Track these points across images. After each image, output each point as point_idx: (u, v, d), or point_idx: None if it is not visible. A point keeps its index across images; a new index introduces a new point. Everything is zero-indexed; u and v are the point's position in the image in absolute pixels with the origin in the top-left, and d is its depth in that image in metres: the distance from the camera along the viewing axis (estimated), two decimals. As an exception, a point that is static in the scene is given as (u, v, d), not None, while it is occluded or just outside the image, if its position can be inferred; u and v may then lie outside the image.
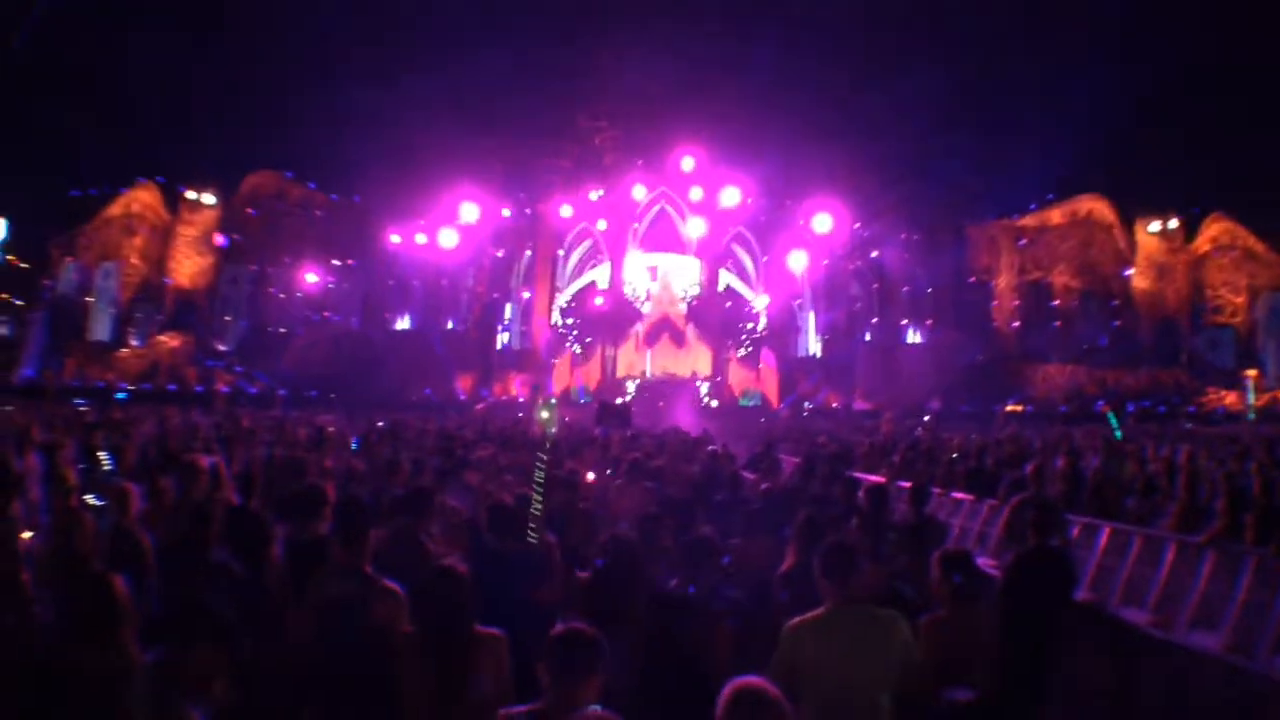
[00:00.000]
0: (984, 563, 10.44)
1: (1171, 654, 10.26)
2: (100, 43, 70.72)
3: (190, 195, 72.22)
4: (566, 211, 74.39)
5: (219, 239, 73.03)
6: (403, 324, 78.37)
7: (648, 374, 71.85)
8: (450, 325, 78.01)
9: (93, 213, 71.02)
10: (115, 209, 71.43)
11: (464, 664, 5.73)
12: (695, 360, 72.61)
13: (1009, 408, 62.64)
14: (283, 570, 7.33)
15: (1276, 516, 10.77)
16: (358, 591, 6.43)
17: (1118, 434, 30.68)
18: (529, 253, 77.36)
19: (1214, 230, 71.88)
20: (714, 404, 64.83)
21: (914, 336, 78.69)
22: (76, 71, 68.92)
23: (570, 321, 73.85)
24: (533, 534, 8.22)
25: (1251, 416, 56.17)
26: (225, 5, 78.98)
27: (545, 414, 12.15)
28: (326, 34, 72.98)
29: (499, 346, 77.74)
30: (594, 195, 75.41)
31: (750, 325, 74.92)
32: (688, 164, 74.03)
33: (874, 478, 15.71)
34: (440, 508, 9.51)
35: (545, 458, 8.70)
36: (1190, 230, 72.23)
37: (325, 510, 7.87)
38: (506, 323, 79.43)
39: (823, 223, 74.18)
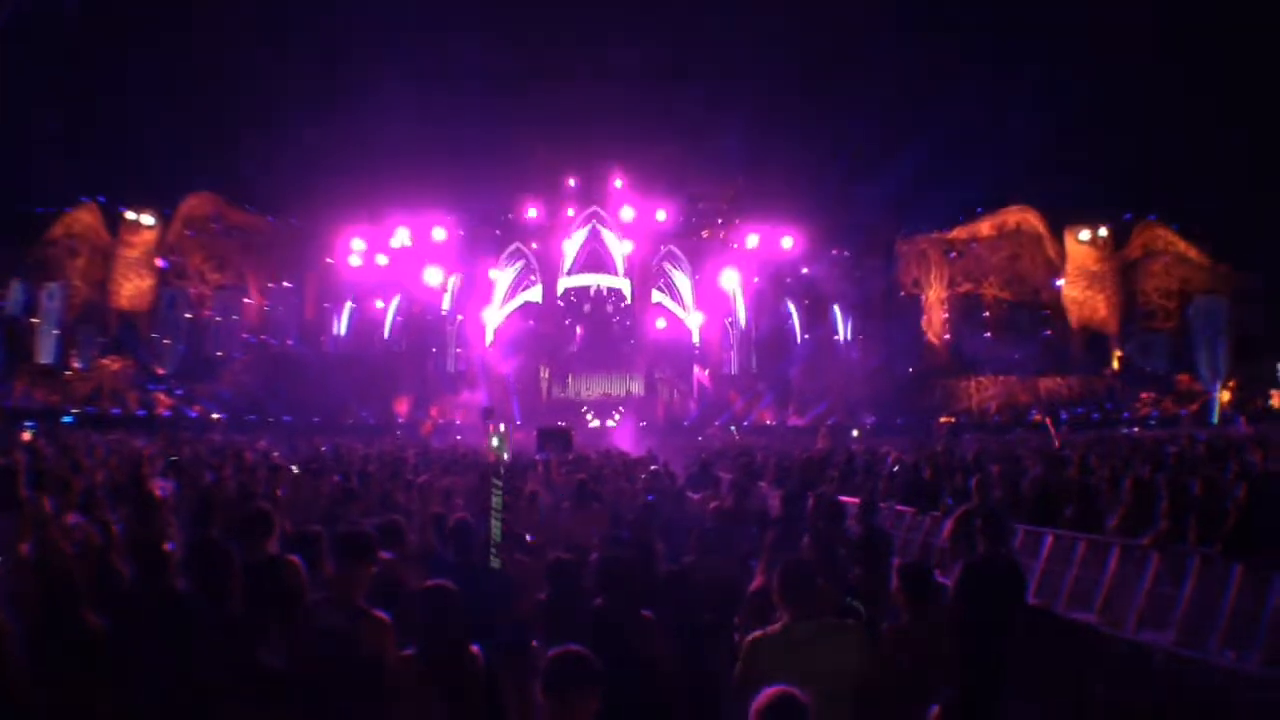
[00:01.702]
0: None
1: (1124, 650, 10.49)
2: (47, 56, 70.24)
3: (130, 216, 71.26)
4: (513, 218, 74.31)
5: (159, 261, 72.29)
6: (339, 346, 77.81)
7: (580, 394, 71.96)
8: (387, 347, 77.71)
9: (39, 232, 69.98)
10: (58, 229, 70.29)
11: (464, 682, 5.78)
12: (628, 380, 72.68)
13: (944, 419, 63.08)
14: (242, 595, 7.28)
15: (1219, 517, 10.94)
16: (348, 623, 6.38)
17: (1055, 442, 31.10)
18: (461, 274, 77.15)
19: (1145, 236, 72.62)
20: (642, 424, 64.99)
21: (846, 351, 79.13)
22: (24, 86, 68.09)
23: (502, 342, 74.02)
24: (495, 557, 8.28)
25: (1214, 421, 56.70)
26: (170, 26, 78.08)
27: (496, 442, 12.24)
28: (268, 56, 72.82)
29: (436, 368, 77.39)
30: (531, 213, 75.46)
31: (683, 343, 75.27)
32: (619, 183, 74.23)
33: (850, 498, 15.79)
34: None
35: (500, 483, 8.76)
36: (1121, 237, 72.87)
37: (274, 531, 7.84)
38: (443, 345, 79.14)
39: (753, 241, 74.72)
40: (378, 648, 6.24)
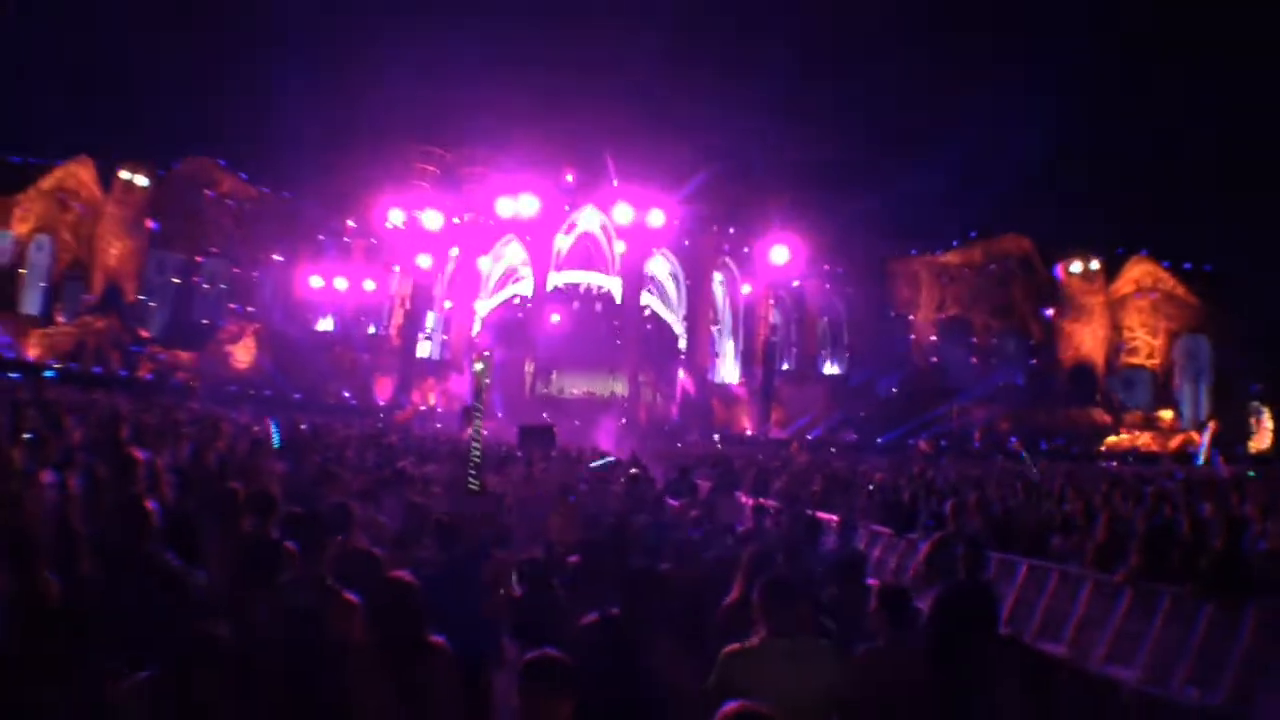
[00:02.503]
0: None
1: (1090, 684, 10.55)
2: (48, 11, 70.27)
3: (124, 175, 70.48)
4: (502, 210, 74.04)
5: (149, 223, 71.93)
6: (325, 325, 77.62)
7: (564, 391, 71.92)
8: (372, 330, 77.55)
9: (29, 181, 69.37)
10: (49, 181, 69.65)
11: (421, 674, 5.76)
12: (612, 380, 72.60)
13: (924, 443, 63.16)
14: (229, 573, 7.26)
15: (1196, 556, 11.02)
16: (316, 602, 6.41)
17: (1033, 471, 31.13)
18: (452, 262, 76.99)
19: (1136, 272, 72.89)
20: (623, 423, 64.82)
21: (831, 368, 79.27)
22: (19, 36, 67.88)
23: (489, 332, 73.92)
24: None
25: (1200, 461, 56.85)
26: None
27: (480, 367, 12.30)
28: (272, 20, 72.89)
29: (420, 354, 77.18)
30: (530, 207, 75.15)
31: (670, 348, 75.29)
32: (615, 183, 74.11)
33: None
34: (366, 522, 9.50)
35: (474, 473, 8.80)
36: (1112, 271, 73.03)
37: (276, 512, 7.85)
38: (428, 331, 79.05)
39: (746, 250, 74.91)
40: (345, 628, 6.27)
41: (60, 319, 68.65)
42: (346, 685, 5.81)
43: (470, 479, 8.93)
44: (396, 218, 74.21)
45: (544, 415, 53.27)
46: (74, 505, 8.95)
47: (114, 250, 70.58)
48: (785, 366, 77.91)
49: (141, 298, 72.49)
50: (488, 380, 11.02)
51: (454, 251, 76.42)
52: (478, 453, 8.83)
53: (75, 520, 8.15)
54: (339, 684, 5.83)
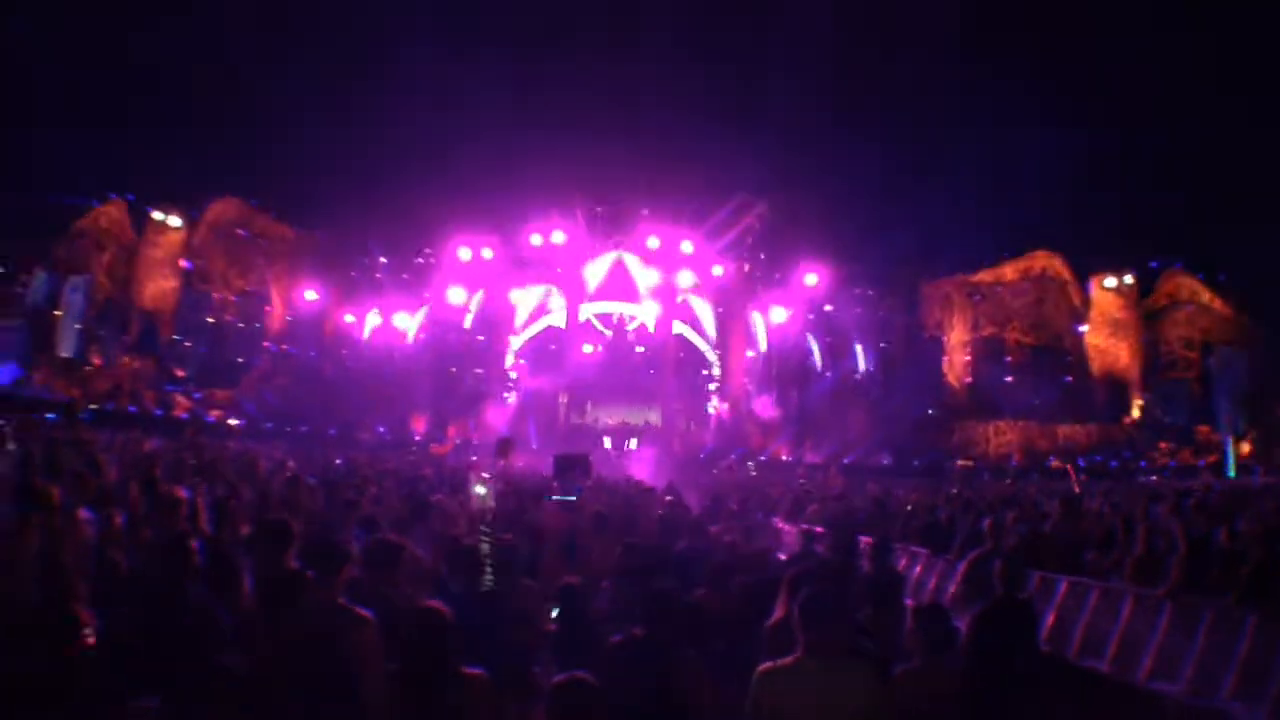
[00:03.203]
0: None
1: (1133, 697, 10.45)
2: (80, 50, 71.07)
3: (157, 216, 71.35)
4: (536, 241, 74.28)
5: (184, 263, 72.43)
6: (359, 361, 77.77)
7: (598, 421, 71.91)
8: (407, 364, 77.75)
9: (65, 224, 69.97)
10: (85, 223, 70.31)
11: (452, 702, 5.76)
12: (646, 410, 72.52)
13: (960, 463, 62.90)
14: (255, 605, 7.32)
15: (1238, 567, 10.93)
16: (330, 625, 6.43)
17: (1076, 489, 30.99)
18: (483, 294, 77.14)
19: (1170, 285, 72.41)
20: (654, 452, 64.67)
21: (866, 391, 79.01)
22: (53, 77, 68.55)
23: (523, 363, 74.20)
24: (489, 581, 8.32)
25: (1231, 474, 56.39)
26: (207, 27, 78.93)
27: (481, 490, 12.28)
28: (300, 59, 73.60)
29: (455, 388, 77.27)
30: (560, 238, 75.21)
31: (704, 376, 75.29)
32: (645, 212, 74.24)
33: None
34: (407, 559, 9.51)
35: (486, 530, 8.82)
36: (1145, 285, 72.63)
37: (293, 545, 7.87)
38: (462, 365, 79.07)
39: (777, 276, 75.02)
40: (358, 643, 6.29)
41: (97, 360, 69.03)
42: (361, 712, 5.84)
43: (483, 531, 8.93)
44: (428, 253, 74.58)
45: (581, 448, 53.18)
46: (114, 541, 9.02)
47: (149, 290, 71.21)
48: (819, 391, 77.66)
49: (177, 337, 72.92)
50: (490, 503, 11.06)
51: (485, 285, 76.49)
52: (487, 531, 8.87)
53: (115, 555, 8.23)
54: (353, 712, 5.85)
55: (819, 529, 16.63)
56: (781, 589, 8.05)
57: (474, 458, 50.91)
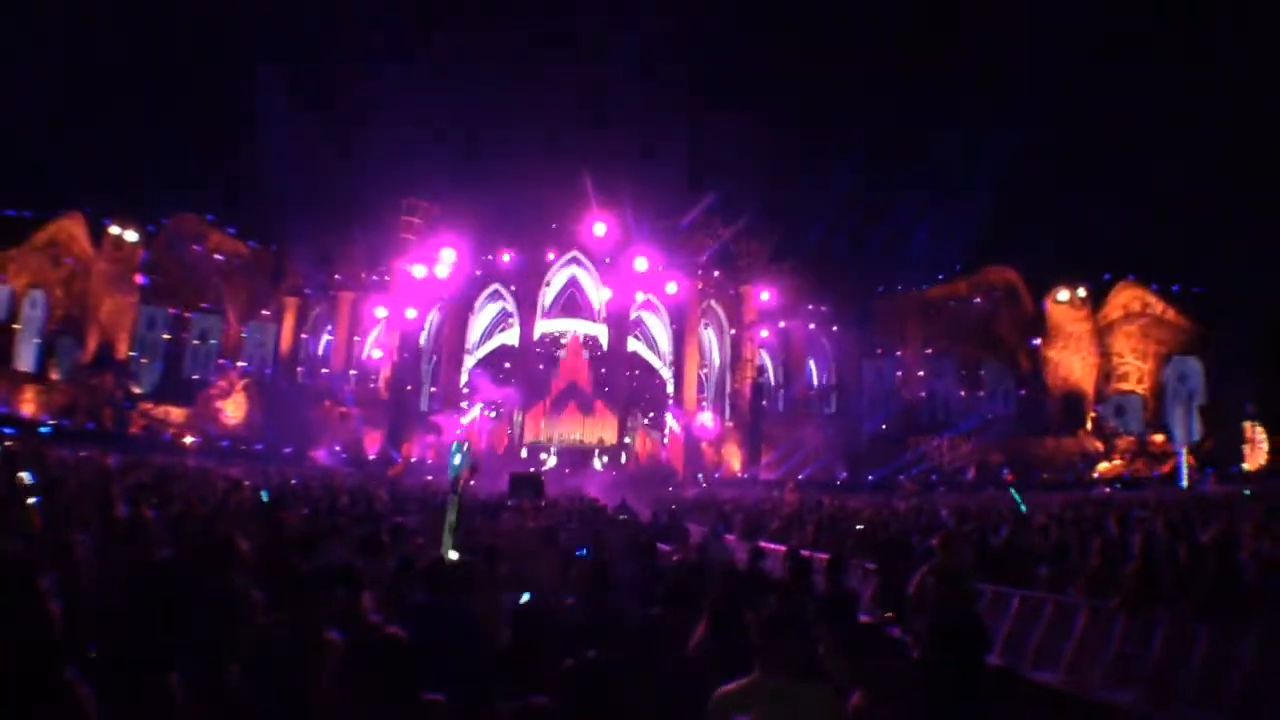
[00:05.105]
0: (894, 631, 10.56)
1: (1089, 711, 10.44)
2: (35, 62, 70.60)
3: (114, 230, 70.81)
4: (486, 261, 74.22)
5: (139, 278, 71.90)
6: (313, 379, 77.48)
7: (553, 440, 71.70)
8: (361, 382, 77.43)
9: (22, 236, 69.32)
10: (42, 236, 69.84)
11: None
12: (601, 427, 72.40)
13: (909, 482, 63.03)
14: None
15: (1193, 578, 10.97)
16: (290, 646, 6.35)
17: (1022, 506, 31.10)
18: (438, 313, 77.00)
19: (1124, 297, 72.78)
20: (613, 472, 64.50)
21: (820, 406, 79.23)
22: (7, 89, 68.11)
23: (477, 384, 74.05)
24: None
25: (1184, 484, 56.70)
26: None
27: (459, 459, 12.19)
28: (259, 79, 73.47)
29: (409, 407, 77.01)
30: (513, 258, 75.25)
31: (658, 393, 75.29)
32: (599, 230, 74.13)
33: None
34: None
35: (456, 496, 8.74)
36: (1099, 298, 72.95)
37: (238, 562, 7.80)
38: (417, 383, 78.79)
39: (731, 293, 75.10)
40: (319, 671, 6.18)
41: (54, 375, 68.51)
42: None
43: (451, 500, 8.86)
44: (383, 271, 74.40)
45: (531, 469, 53.07)
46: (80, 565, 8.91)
47: (105, 306, 70.52)
48: (774, 407, 77.78)
49: (133, 354, 72.40)
50: (470, 466, 10.96)
51: (440, 303, 76.33)
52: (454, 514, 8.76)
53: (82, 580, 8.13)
54: None
55: (770, 546, 16.62)
56: (704, 611, 8.00)
57: (429, 477, 50.78)
